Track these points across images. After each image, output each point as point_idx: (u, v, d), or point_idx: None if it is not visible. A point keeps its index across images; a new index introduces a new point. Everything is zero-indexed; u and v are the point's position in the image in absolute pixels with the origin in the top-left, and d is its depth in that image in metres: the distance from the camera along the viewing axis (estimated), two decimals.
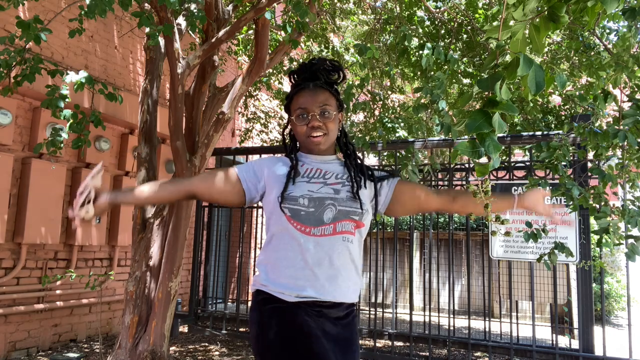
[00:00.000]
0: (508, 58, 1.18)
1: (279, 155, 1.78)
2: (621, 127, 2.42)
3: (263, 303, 1.43)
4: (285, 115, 1.64)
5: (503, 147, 3.71)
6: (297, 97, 1.56)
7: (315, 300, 1.39)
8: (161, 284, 3.51)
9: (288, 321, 1.38)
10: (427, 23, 5.37)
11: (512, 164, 4.53)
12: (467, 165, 4.99)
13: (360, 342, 5.00)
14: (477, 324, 6.22)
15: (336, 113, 1.55)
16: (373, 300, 6.32)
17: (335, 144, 1.63)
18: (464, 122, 1.12)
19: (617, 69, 2.57)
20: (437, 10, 5.27)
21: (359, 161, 1.62)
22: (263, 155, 6.02)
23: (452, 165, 4.75)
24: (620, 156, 2.70)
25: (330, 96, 1.55)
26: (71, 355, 4.39)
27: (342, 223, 1.43)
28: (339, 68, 1.61)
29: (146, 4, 3.41)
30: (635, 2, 2.38)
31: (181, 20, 3.77)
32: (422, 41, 4.60)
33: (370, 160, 9.49)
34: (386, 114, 5.08)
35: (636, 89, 2.82)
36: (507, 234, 2.96)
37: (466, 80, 5.41)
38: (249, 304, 5.04)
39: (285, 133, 1.69)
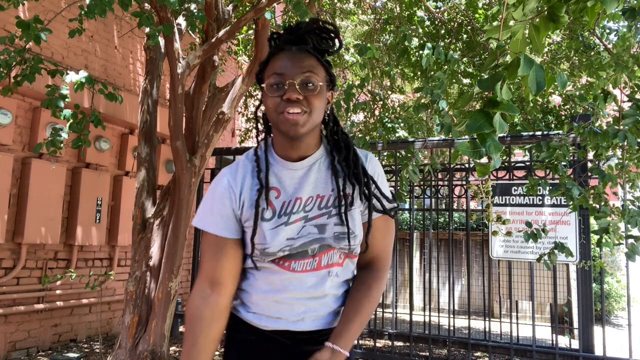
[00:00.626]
0: (508, 58, 1.18)
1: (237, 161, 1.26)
2: (621, 127, 2.42)
3: (231, 329, 1.27)
4: None
5: (503, 147, 3.71)
6: (273, 61, 1.16)
7: (293, 330, 1.20)
8: (161, 284, 3.51)
9: (247, 346, 1.25)
10: (427, 23, 5.37)
11: (512, 164, 4.53)
12: (467, 165, 4.99)
13: (360, 342, 5.00)
14: (477, 324, 6.23)
15: (323, 85, 1.15)
16: None
17: (321, 132, 1.25)
18: (464, 123, 1.12)
19: (617, 69, 2.57)
20: (437, 10, 5.27)
21: (354, 157, 1.22)
22: None
23: (452, 165, 4.75)
24: (620, 156, 2.71)
25: (318, 64, 1.15)
26: (71, 355, 4.39)
27: (328, 254, 1.19)
28: (335, 33, 1.20)
29: (146, 4, 3.41)
30: (635, 2, 2.39)
31: (181, 20, 3.77)
32: (422, 41, 4.60)
33: None
34: (386, 114, 5.08)
35: (636, 89, 2.82)
36: (509, 234, 2.96)
37: (466, 80, 5.42)
38: None
39: (257, 114, 1.27)
